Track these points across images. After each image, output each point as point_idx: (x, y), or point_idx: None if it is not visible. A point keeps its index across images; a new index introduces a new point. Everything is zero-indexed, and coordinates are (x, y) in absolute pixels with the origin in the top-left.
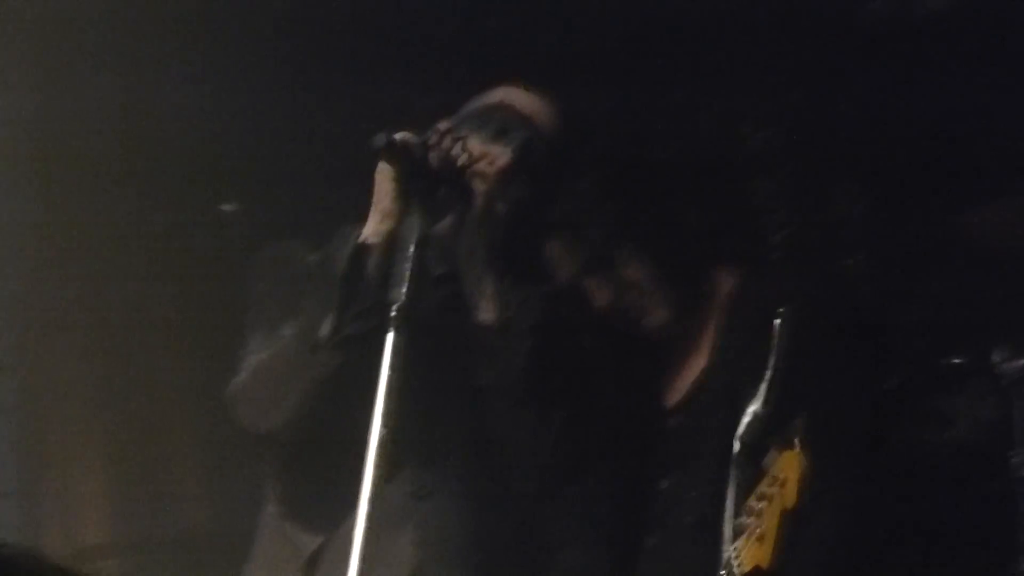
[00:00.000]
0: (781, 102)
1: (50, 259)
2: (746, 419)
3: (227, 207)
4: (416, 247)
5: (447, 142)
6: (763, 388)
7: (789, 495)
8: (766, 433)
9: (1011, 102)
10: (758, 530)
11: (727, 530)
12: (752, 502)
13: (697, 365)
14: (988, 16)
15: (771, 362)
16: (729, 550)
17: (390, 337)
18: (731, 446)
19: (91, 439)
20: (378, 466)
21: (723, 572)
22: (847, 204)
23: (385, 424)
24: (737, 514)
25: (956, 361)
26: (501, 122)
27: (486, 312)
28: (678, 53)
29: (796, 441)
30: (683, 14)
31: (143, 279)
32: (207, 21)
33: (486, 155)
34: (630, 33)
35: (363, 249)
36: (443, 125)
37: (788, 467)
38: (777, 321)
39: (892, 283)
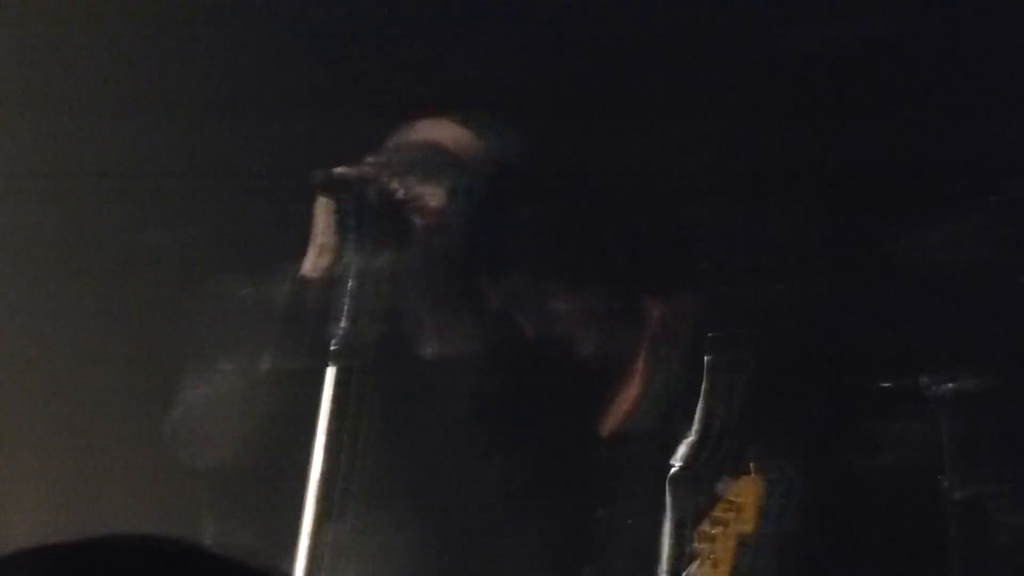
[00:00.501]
0: (711, 127)
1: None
2: (681, 447)
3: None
4: (355, 281)
5: (384, 177)
6: (697, 416)
7: (746, 520)
8: (700, 460)
9: (943, 127)
10: (712, 556)
11: (663, 559)
12: (705, 527)
13: (629, 395)
14: (919, 38)
15: (703, 389)
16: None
17: (330, 372)
18: (663, 475)
19: (20, 472)
20: (319, 502)
21: None
22: (775, 229)
23: (325, 461)
24: (679, 541)
25: (885, 385)
26: (432, 161)
27: (426, 348)
28: (607, 79)
29: (752, 466)
30: (611, 40)
31: (74, 309)
32: (143, 48)
33: (420, 195)
34: (558, 60)
35: (302, 283)
36: (375, 159)
37: (745, 492)
38: (706, 347)
39: (820, 308)
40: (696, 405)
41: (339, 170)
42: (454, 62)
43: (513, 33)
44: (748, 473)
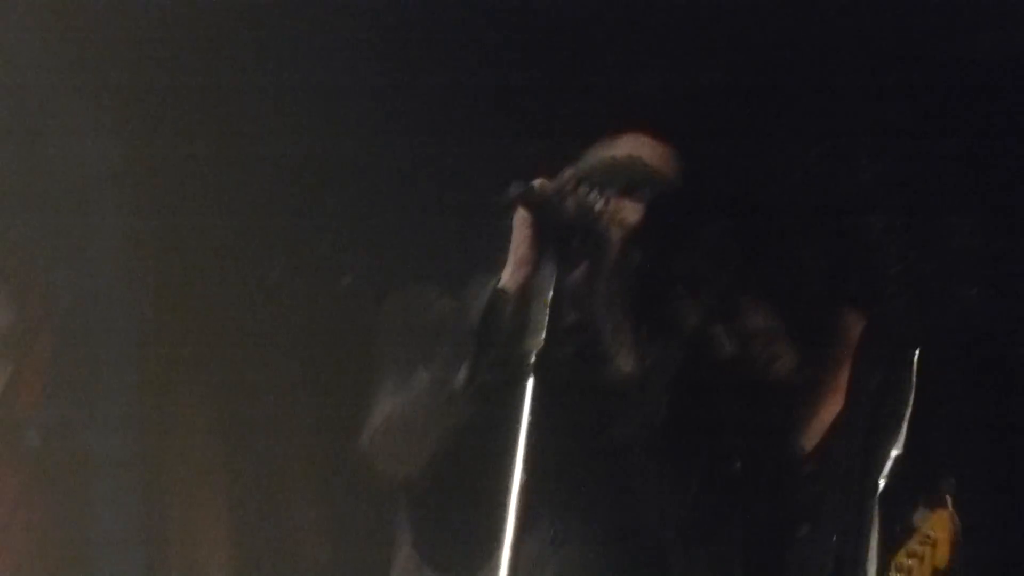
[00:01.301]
0: (892, 135)
1: (172, 311)
2: (888, 462)
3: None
4: (553, 294)
5: (583, 190)
6: (902, 431)
7: (941, 555)
8: (909, 477)
9: None
10: None
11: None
12: (902, 559)
13: (832, 410)
14: None
15: (910, 403)
16: None
17: (530, 384)
18: (869, 491)
19: (214, 485)
20: (518, 514)
21: None
22: (964, 234)
23: (525, 472)
24: (884, 568)
25: None
26: (631, 175)
27: (624, 363)
28: (786, 92)
29: (948, 499)
30: (791, 54)
31: (267, 321)
32: (332, 71)
33: (620, 208)
34: (738, 75)
35: (500, 296)
36: (573, 173)
37: (939, 527)
38: (914, 361)
39: (1014, 315)
40: (902, 419)
41: (538, 182)
42: (655, 76)
43: (694, 48)
44: (944, 507)
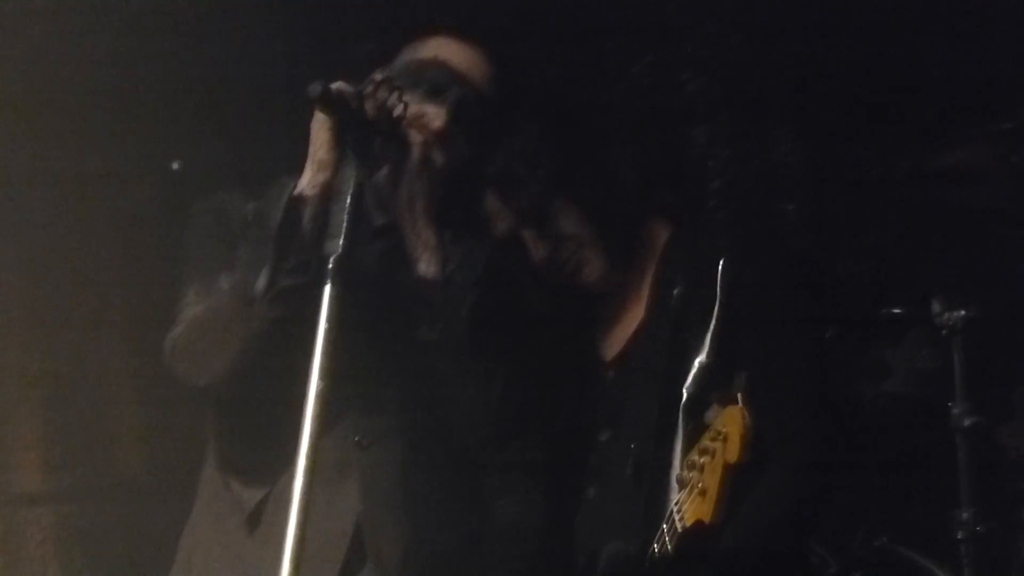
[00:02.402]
0: (717, 49)
1: None
2: (692, 370)
3: (175, 165)
4: (352, 198)
5: (383, 92)
6: (707, 339)
7: (732, 450)
8: (711, 385)
9: (952, 52)
10: (700, 484)
11: (672, 484)
12: (694, 456)
13: (635, 317)
14: None
15: (713, 313)
16: (671, 503)
17: (327, 289)
18: (670, 399)
19: (26, 388)
20: (316, 419)
21: (664, 525)
22: (785, 151)
23: (322, 377)
24: (680, 468)
25: (895, 312)
26: (436, 79)
27: (427, 266)
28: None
29: (739, 396)
30: None
31: (78, 229)
32: None
33: (422, 114)
34: None
35: (299, 200)
36: (378, 76)
37: (731, 422)
38: (719, 271)
39: (830, 232)
40: (706, 329)
41: (336, 85)
42: None
43: None
44: (735, 403)
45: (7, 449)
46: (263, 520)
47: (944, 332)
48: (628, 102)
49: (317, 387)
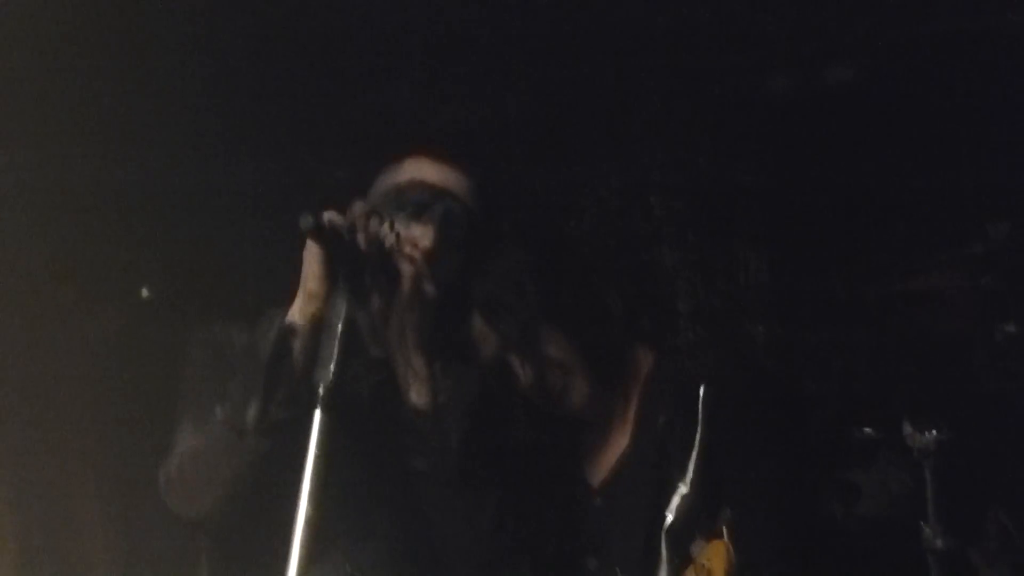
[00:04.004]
0: (683, 173)
1: None
2: (676, 500)
3: (145, 293)
4: (343, 328)
5: (374, 223)
6: (690, 468)
7: None
8: (694, 513)
9: (921, 174)
10: None
11: None
12: None
13: (620, 444)
14: (894, 86)
15: (695, 441)
16: None
17: (316, 416)
18: (655, 527)
19: (2, 515)
20: (304, 546)
21: None
22: (753, 273)
23: (312, 505)
24: None
25: (866, 432)
26: (418, 198)
27: (418, 396)
28: (578, 122)
29: (723, 530)
30: (583, 83)
31: (66, 355)
32: (122, 90)
33: (410, 237)
34: (534, 103)
35: (289, 331)
36: (360, 206)
37: (715, 556)
38: (700, 397)
39: (801, 353)
40: (688, 456)
41: (328, 216)
42: (436, 101)
43: (487, 72)
44: (720, 537)
45: None
46: None
47: (915, 454)
48: (598, 227)
49: (306, 514)
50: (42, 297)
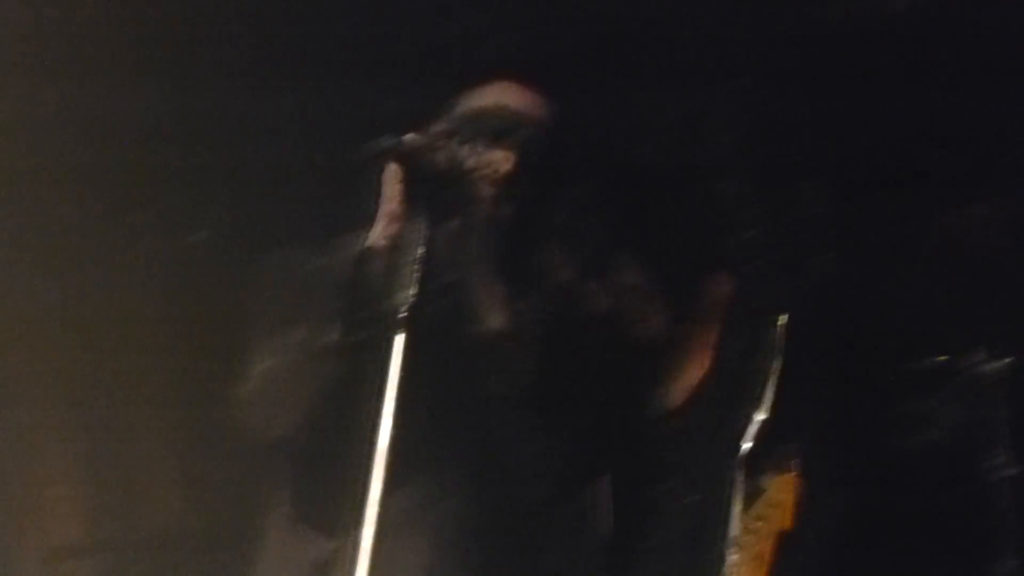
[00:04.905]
0: (747, 102)
1: (28, 259)
2: (750, 427)
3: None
4: (423, 250)
5: (453, 144)
6: (764, 397)
7: (785, 518)
8: (766, 444)
9: (982, 103)
10: (756, 548)
11: (729, 540)
12: (749, 521)
13: (696, 371)
14: (952, 16)
15: (772, 368)
16: (725, 565)
17: (399, 340)
18: (730, 455)
19: (67, 439)
20: (386, 470)
21: None
22: (816, 203)
23: (394, 428)
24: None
25: (934, 363)
26: (500, 123)
27: (494, 320)
28: (644, 53)
29: (792, 465)
30: (648, 15)
31: (130, 282)
32: (197, 24)
33: (490, 160)
34: (599, 34)
35: (369, 253)
36: (442, 126)
37: (785, 490)
38: (777, 328)
39: (866, 284)
40: (764, 384)
41: (408, 136)
42: (510, 30)
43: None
44: (789, 471)
45: (46, 502)
46: (334, 570)
47: (989, 381)
48: (668, 153)
49: (388, 439)
50: (105, 224)
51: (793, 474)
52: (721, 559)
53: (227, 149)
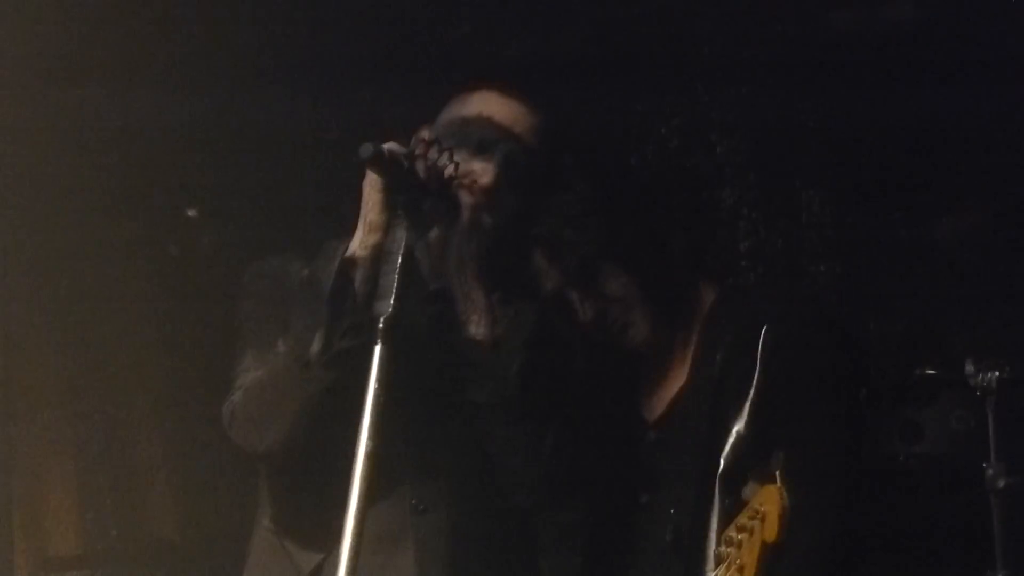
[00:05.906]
0: (744, 112)
1: (23, 269)
2: (730, 438)
3: (191, 212)
4: (403, 259)
5: (433, 153)
6: (746, 407)
7: (769, 529)
8: (748, 454)
9: (981, 110)
10: (737, 561)
11: (710, 553)
12: (732, 532)
13: (678, 380)
14: (954, 24)
15: (753, 380)
16: None
17: (377, 349)
18: (711, 464)
19: (59, 453)
20: (365, 480)
21: None
22: (815, 212)
23: (371, 438)
24: (717, 541)
25: (929, 372)
26: (482, 135)
27: (477, 327)
28: (643, 60)
29: (777, 475)
30: (649, 22)
31: (122, 293)
32: (188, 29)
33: (471, 172)
34: (598, 39)
35: (350, 262)
36: (425, 135)
37: (768, 501)
38: (761, 339)
39: (862, 292)
40: (746, 395)
41: (388, 146)
42: (503, 35)
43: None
44: (773, 481)
45: (41, 513)
46: None
47: (978, 393)
48: (663, 163)
49: (366, 447)
50: (98, 233)
51: (777, 485)
52: (703, 570)
53: (215, 157)
